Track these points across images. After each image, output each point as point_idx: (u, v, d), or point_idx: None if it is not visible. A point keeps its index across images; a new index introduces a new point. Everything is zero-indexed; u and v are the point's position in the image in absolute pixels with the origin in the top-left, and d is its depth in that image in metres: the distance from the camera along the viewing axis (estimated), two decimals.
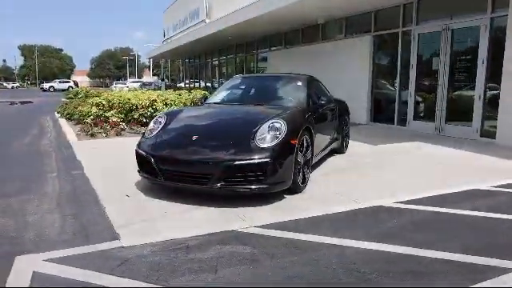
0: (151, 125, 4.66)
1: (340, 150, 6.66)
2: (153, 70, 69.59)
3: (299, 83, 5.61)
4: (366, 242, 3.07)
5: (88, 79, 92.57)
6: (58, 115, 13.27)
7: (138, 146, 4.45)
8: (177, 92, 11.10)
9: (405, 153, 6.94)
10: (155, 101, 9.41)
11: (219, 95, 5.73)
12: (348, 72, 11.78)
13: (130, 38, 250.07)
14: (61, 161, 6.16)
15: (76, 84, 50.59)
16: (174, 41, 25.06)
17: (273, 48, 16.86)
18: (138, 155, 4.39)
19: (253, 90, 5.71)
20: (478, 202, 4.19)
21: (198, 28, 18.90)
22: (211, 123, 4.71)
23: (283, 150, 3.99)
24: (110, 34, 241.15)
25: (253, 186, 3.85)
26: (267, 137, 4.03)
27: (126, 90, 23.09)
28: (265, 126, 4.13)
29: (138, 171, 4.42)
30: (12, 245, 3.04)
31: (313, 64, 13.13)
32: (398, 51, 10.22)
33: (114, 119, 9.17)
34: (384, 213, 3.82)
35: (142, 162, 4.31)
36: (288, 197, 4.18)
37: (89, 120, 9.30)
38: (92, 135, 8.28)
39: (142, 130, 8.45)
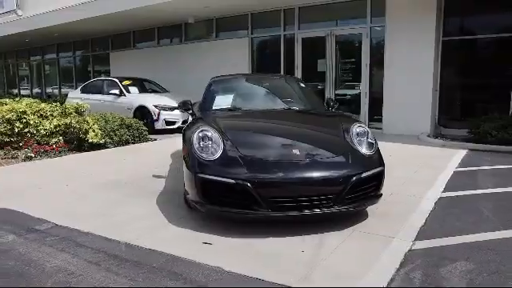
0: (200, 143, 3.37)
1: None
2: None
3: (302, 84, 5.17)
4: None
5: None
6: None
7: (202, 171, 3.17)
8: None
9: None
10: (24, 113, 6.84)
11: (221, 101, 4.64)
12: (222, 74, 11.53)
13: None
14: None
15: None
16: None
17: (118, 49, 14.82)
18: (209, 184, 3.13)
19: (261, 93, 4.89)
20: None
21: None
22: (286, 133, 3.82)
23: (380, 156, 3.62)
24: None
25: (368, 201, 3.36)
26: (363, 143, 3.57)
27: None
28: (353, 132, 3.65)
29: (200, 204, 3.19)
30: None
31: (176, 66, 12.32)
32: (280, 54, 10.69)
33: None
34: None
35: (223, 192, 3.11)
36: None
37: None
38: None
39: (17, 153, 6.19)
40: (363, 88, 9.47)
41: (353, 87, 9.83)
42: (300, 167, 3.14)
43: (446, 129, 8.70)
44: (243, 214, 3.08)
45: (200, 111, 4.59)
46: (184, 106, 4.75)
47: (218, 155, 3.24)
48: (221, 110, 4.47)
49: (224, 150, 3.28)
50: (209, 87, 4.93)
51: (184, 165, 3.46)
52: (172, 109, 9.50)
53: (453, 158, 6.29)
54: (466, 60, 8.77)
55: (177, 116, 9.51)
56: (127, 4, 10.35)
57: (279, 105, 4.66)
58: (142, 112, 9.46)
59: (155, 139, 8.51)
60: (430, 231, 3.26)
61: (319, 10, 9.95)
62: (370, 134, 3.67)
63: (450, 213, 3.73)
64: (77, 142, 7.23)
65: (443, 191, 4.45)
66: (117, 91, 10.09)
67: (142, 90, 10.62)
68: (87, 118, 7.20)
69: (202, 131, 3.46)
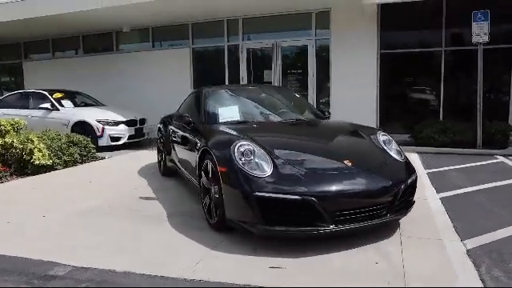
0: (242, 159, 3.08)
1: None
2: None
3: (296, 94, 5.11)
4: None
5: None
6: None
7: (260, 189, 2.91)
8: None
9: None
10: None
11: (226, 114, 4.31)
12: (163, 86, 10.97)
13: None
14: None
15: None
16: None
17: (33, 58, 13.09)
18: (268, 202, 2.88)
19: (264, 104, 4.65)
20: None
21: None
22: (321, 144, 3.72)
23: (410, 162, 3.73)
24: None
25: (409, 208, 3.42)
26: (394, 150, 3.66)
27: None
28: (381, 140, 3.71)
29: (251, 225, 2.94)
30: None
31: (107, 77, 11.40)
32: (225, 64, 10.54)
33: None
34: None
35: (283, 211, 2.88)
36: None
37: None
38: None
39: None
40: (310, 97, 9.79)
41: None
42: (358, 178, 3.08)
43: (390, 135, 9.41)
44: (307, 231, 2.90)
45: (202, 124, 4.23)
46: (181, 120, 4.36)
47: (269, 171, 3.01)
48: (231, 122, 4.18)
49: (275, 165, 3.06)
50: (204, 99, 4.57)
51: (223, 183, 3.14)
52: (117, 123, 8.71)
53: (414, 161, 6.80)
54: (401, 71, 9.66)
55: (122, 131, 8.74)
56: (54, 9, 9.27)
57: (288, 115, 4.54)
58: (81, 128, 8.46)
59: (103, 157, 7.68)
60: (466, 230, 3.43)
61: (264, 21, 10.07)
62: (394, 141, 3.77)
63: (463, 211, 4.00)
64: (17, 165, 6.17)
65: (437, 192, 4.76)
66: (48, 105, 8.89)
67: (76, 103, 9.54)
68: (31, 136, 6.20)
69: (241, 146, 3.19)
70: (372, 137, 3.80)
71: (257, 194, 2.89)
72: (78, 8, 9.20)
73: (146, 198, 4.65)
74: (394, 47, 9.45)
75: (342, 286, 2.49)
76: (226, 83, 10.47)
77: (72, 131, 8.28)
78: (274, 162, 3.09)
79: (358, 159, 3.29)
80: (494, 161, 6.89)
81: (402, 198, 3.23)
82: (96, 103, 10.01)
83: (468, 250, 3.02)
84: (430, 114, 9.17)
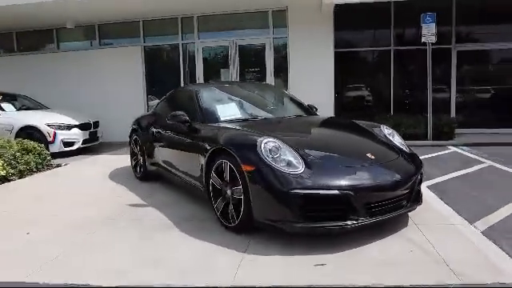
0: (270, 156, 3.01)
1: None
2: None
3: (284, 91, 5.09)
4: None
5: None
6: None
7: (296, 186, 2.84)
8: None
9: None
10: None
11: (225, 111, 4.13)
12: (112, 87, 10.32)
13: None
14: None
15: None
16: None
17: None
18: (306, 199, 2.83)
19: (261, 101, 4.54)
20: None
21: None
22: (337, 139, 3.77)
23: None
24: None
25: (420, 197, 3.58)
26: (398, 141, 3.81)
27: None
28: (386, 133, 3.85)
29: (285, 223, 2.89)
30: None
31: (47, 77, 10.42)
32: (180, 63, 10.21)
33: None
34: None
35: (321, 207, 2.86)
36: None
37: None
38: None
39: None
40: None
41: None
42: (385, 170, 3.16)
43: None
44: (343, 226, 2.90)
45: (202, 123, 4.04)
46: (176, 119, 4.13)
47: (302, 167, 2.97)
48: (235, 120, 4.05)
49: (305, 161, 3.03)
50: (199, 97, 4.37)
51: (251, 182, 3.03)
52: (70, 127, 8.03)
53: None
54: (355, 68, 10.16)
55: (76, 136, 8.09)
56: None
57: (286, 111, 4.54)
58: (28, 134, 7.64)
59: (59, 164, 7.01)
60: (468, 214, 3.69)
61: (221, 19, 9.92)
62: (396, 134, 3.93)
63: (452, 197, 4.30)
64: None
65: None
66: None
67: (17, 107, 8.60)
68: None
69: (267, 142, 3.10)
70: (376, 130, 3.92)
71: (295, 191, 2.83)
72: (10, 2, 8.27)
73: (137, 206, 4.33)
74: (349, 46, 9.90)
75: (396, 277, 2.54)
76: (182, 83, 10.16)
77: (17, 137, 7.45)
78: (303, 158, 3.05)
79: (377, 153, 3.38)
80: (448, 151, 7.52)
81: (417, 188, 3.38)
82: (40, 106, 9.12)
83: (482, 232, 3.25)
84: (382, 109, 9.73)
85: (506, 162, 6.15)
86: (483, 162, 6.26)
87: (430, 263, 2.69)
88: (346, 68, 9.94)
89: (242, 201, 3.12)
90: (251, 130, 3.63)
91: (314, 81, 9.40)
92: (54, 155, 7.65)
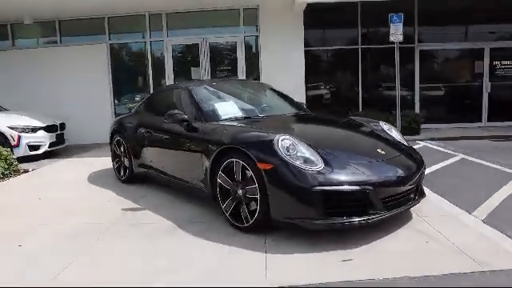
0: (287, 153, 2.98)
1: None
2: None
3: (276, 88, 5.04)
4: None
5: None
6: None
7: (318, 183, 2.83)
8: None
9: None
10: None
11: (225, 110, 4.01)
12: (75, 86, 9.76)
13: None
14: None
15: None
16: None
17: None
18: (329, 196, 2.83)
19: (257, 99, 4.47)
20: None
21: None
22: (346, 135, 3.78)
23: None
24: None
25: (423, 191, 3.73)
26: (398, 136, 3.93)
27: None
28: (384, 129, 3.96)
29: (307, 220, 2.89)
30: None
31: (2, 77, 9.70)
32: (148, 61, 9.87)
33: None
34: None
35: (341, 203, 2.88)
36: None
37: None
38: None
39: None
40: None
41: None
42: (398, 165, 3.24)
43: None
44: (362, 220, 2.93)
45: (203, 122, 3.92)
46: (173, 118, 3.98)
47: (321, 164, 2.96)
48: (236, 118, 3.96)
49: (323, 158, 3.03)
50: (196, 95, 4.23)
51: (269, 181, 2.99)
52: (35, 130, 7.51)
53: None
54: (325, 66, 10.39)
55: (42, 138, 7.57)
56: None
57: (283, 109, 4.50)
58: None
59: (27, 170, 6.54)
60: (463, 204, 3.89)
61: (190, 17, 9.69)
62: (394, 128, 4.05)
63: (442, 189, 4.50)
64: None
65: None
66: None
67: None
68: None
69: (283, 140, 3.07)
70: (375, 126, 4.01)
71: (317, 188, 2.83)
72: None
73: (132, 210, 4.14)
74: (318, 44, 10.08)
75: (428, 268, 2.61)
76: (151, 81, 9.86)
77: None
78: (320, 154, 3.05)
79: (385, 148, 3.45)
80: (418, 146, 7.86)
81: (422, 181, 3.51)
82: None
83: (483, 220, 3.43)
84: (351, 106, 10.00)
85: (476, 154, 6.56)
86: (455, 155, 6.62)
87: (450, 253, 2.79)
88: (316, 66, 10.12)
89: (258, 200, 3.07)
90: (258, 128, 3.57)
91: (285, 79, 9.40)
92: (18, 160, 7.11)
